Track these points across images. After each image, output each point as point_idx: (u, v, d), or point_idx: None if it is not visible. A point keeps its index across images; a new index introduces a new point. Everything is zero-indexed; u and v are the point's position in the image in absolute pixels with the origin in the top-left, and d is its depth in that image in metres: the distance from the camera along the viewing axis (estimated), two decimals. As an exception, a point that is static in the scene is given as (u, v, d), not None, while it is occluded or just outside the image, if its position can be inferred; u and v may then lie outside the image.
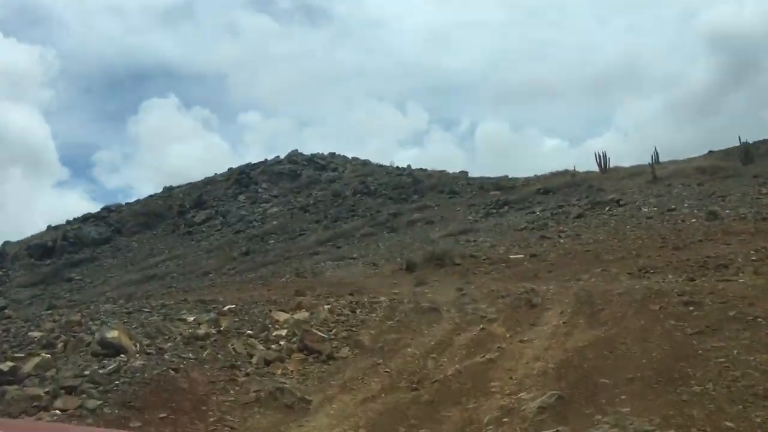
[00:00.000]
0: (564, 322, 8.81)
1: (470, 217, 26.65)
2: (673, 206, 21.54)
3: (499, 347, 8.21)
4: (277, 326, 10.62)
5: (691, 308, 7.99)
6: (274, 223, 31.26)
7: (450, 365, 7.86)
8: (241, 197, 35.50)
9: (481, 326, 9.46)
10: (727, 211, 19.14)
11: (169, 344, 8.73)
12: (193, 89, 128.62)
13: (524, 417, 5.98)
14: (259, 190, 35.87)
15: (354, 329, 10.12)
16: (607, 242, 17.33)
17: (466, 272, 15.22)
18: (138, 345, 8.21)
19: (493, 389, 6.81)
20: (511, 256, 16.41)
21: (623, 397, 5.87)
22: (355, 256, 23.48)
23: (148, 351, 8.13)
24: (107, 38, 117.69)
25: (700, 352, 6.47)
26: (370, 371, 8.13)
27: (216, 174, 39.71)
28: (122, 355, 7.60)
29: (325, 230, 28.47)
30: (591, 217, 22.72)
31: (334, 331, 10.07)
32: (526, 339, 8.43)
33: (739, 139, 28.40)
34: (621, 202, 23.80)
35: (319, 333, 9.39)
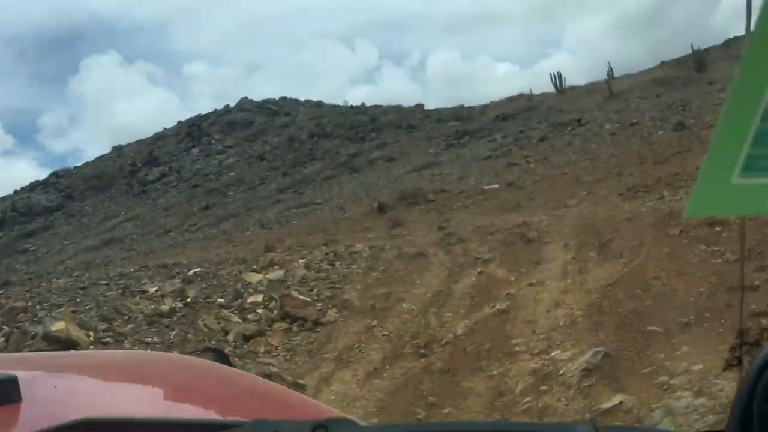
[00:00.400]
0: (573, 258, 7.64)
1: (431, 151, 25.37)
2: (635, 120, 20.67)
3: (508, 294, 7.01)
4: (250, 290, 9.28)
5: (717, 229, 6.87)
6: (232, 174, 29.51)
7: (457, 321, 6.65)
8: (195, 150, 33.46)
9: (479, 270, 8.26)
10: (692, 120, 18.27)
11: (129, 327, 7.36)
12: (133, 43, 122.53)
13: (566, 383, 4.82)
14: (212, 141, 33.83)
15: (337, 286, 8.83)
16: (579, 163, 16.26)
17: (442, 208, 13.99)
18: (92, 334, 6.80)
19: (518, 348, 5.63)
20: (485, 187, 15.21)
21: (685, 348, 4.74)
22: (319, 201, 22.11)
23: (105, 339, 6.74)
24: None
25: (757, 282, 5.35)
26: (366, 336, 6.88)
27: (165, 129, 37.39)
28: (72, 351, 6.18)
29: (284, 177, 26.90)
30: (554, 138, 21.71)
31: (315, 290, 8.77)
32: (535, 281, 7.24)
33: (692, 47, 27.41)
34: (582, 121, 22.80)
35: (300, 296, 8.06)
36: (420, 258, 9.56)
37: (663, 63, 29.51)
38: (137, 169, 33.28)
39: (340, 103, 35.56)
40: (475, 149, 23.54)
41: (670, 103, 21.89)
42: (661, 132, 18.12)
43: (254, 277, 10.14)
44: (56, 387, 1.18)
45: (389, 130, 29.15)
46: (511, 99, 29.64)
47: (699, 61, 26.47)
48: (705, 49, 28.03)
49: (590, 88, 27.84)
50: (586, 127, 21.84)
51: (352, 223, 15.45)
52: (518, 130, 24.19)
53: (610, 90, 25.74)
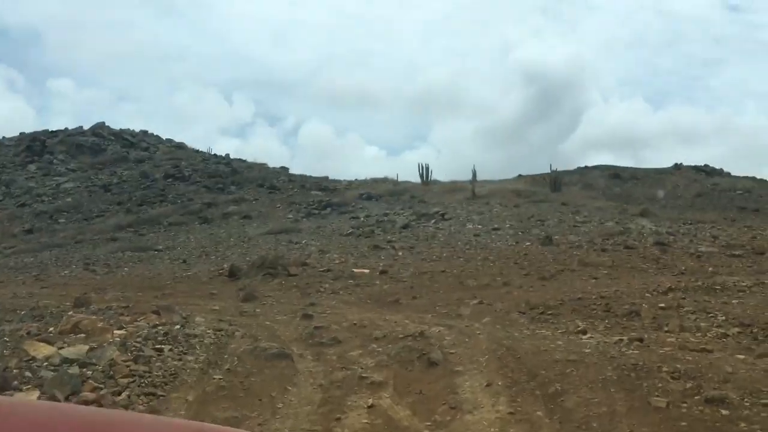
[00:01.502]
0: (511, 413, 4.96)
1: (291, 216, 22.44)
2: (496, 225, 19.29)
3: (428, 467, 4.17)
4: (27, 374, 5.76)
5: (724, 412, 4.52)
6: (68, 200, 24.68)
7: None
8: (32, 167, 28.09)
9: (369, 401, 5.38)
10: (557, 237, 17.01)
11: None
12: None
13: None
14: (54, 161, 28.63)
15: (160, 392, 5.53)
16: (453, 261, 14.06)
17: (306, 287, 11.02)
18: None
19: None
20: (356, 270, 12.46)
21: None
22: (160, 247, 18.32)
23: None
24: None
25: None
26: None
27: (3, 138, 31.50)
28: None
29: (127, 214, 22.66)
30: (417, 228, 19.72)
31: (126, 392, 5.43)
32: (464, 446, 4.47)
33: (550, 167, 27.08)
34: (446, 216, 21.08)
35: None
36: (282, 360, 6.53)
37: (520, 176, 28.97)
38: (-42, 174, 27.33)
39: (204, 149, 31.80)
40: (336, 223, 20.95)
41: (528, 216, 20.76)
42: (528, 243, 16.60)
43: (42, 350, 6.56)
44: None
45: (250, 186, 25.88)
46: (376, 180, 27.61)
47: (554, 181, 26.02)
48: (559, 171, 27.80)
49: (453, 186, 26.41)
50: (449, 223, 20.09)
51: (195, 284, 12.04)
52: (382, 213, 21.97)
53: (474, 191, 24.43)
